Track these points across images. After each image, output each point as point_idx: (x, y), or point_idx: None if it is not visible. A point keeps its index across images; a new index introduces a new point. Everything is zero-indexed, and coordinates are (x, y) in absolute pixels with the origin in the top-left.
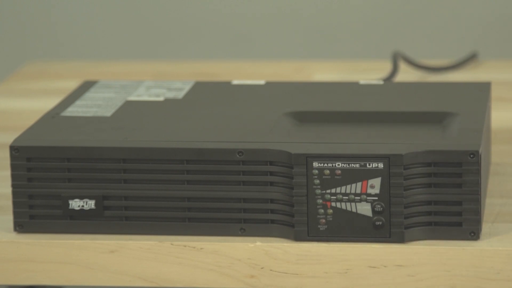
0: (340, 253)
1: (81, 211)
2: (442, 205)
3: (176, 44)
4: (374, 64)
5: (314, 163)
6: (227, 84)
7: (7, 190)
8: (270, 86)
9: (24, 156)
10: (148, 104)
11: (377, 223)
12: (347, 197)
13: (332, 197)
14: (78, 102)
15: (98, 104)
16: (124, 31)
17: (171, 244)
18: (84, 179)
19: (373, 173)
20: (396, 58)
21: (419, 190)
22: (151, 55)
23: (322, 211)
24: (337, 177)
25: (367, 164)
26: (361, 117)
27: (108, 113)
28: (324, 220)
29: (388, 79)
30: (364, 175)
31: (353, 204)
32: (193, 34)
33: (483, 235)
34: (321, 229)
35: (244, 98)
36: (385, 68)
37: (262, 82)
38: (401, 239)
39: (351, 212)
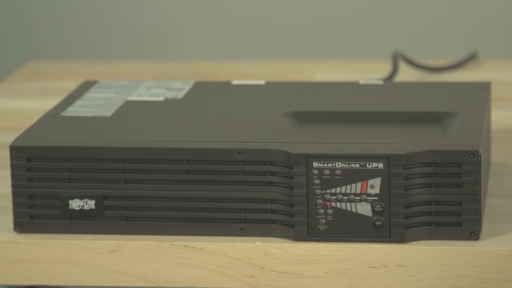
0: (340, 253)
1: (81, 211)
2: (442, 205)
3: (176, 44)
4: (374, 64)
5: (314, 163)
6: (227, 84)
7: (7, 190)
8: (270, 86)
9: (24, 156)
10: (148, 104)
11: (377, 223)
12: (347, 197)
13: (332, 197)
14: (78, 102)
15: (98, 104)
16: (124, 31)
17: (171, 244)
18: (84, 179)
19: (373, 173)
20: (396, 58)
21: (419, 190)
22: (151, 55)
23: (322, 211)
24: (337, 177)
25: (367, 164)
26: (361, 117)
27: (108, 113)
28: (324, 220)
29: (388, 79)
30: (364, 175)
31: (353, 204)
32: (193, 34)
33: (483, 235)
34: (321, 229)
35: (244, 98)
36: (385, 68)
37: (262, 82)
38: (401, 239)
39: (351, 212)
